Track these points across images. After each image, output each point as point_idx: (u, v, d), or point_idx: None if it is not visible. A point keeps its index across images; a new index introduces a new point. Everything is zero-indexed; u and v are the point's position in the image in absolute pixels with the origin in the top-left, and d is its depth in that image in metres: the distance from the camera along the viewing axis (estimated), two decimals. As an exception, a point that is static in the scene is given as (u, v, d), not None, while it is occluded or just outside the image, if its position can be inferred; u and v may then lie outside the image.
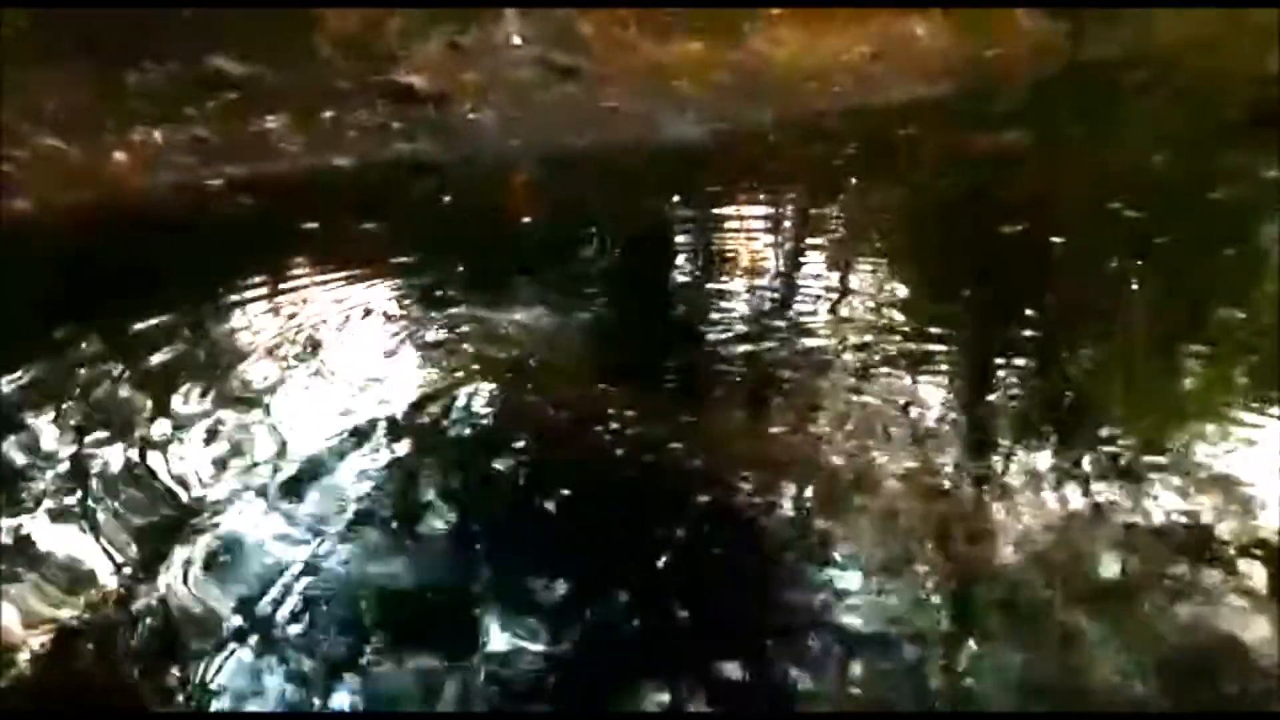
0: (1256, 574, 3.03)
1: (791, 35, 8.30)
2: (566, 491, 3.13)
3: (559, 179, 5.94)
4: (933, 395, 3.87)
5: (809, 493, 3.27)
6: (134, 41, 5.78)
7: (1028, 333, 4.45)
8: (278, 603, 2.59)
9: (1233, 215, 6.00)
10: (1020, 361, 4.21)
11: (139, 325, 3.83)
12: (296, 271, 4.32)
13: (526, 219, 5.28)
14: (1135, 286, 5.18)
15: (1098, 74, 9.66)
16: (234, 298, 4.09)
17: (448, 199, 5.41)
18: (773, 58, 7.89)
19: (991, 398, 3.94)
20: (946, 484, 3.37)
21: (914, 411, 3.72)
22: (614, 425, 3.42)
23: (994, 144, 6.89)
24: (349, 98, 6.06)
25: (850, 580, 2.94)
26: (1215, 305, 4.73)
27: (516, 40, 7.04)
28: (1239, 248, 5.49)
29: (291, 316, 3.97)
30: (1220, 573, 3.08)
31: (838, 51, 8.38)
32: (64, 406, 3.25)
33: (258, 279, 4.21)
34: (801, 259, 5.07)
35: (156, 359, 3.59)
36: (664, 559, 2.95)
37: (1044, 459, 3.53)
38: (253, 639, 2.49)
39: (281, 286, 4.19)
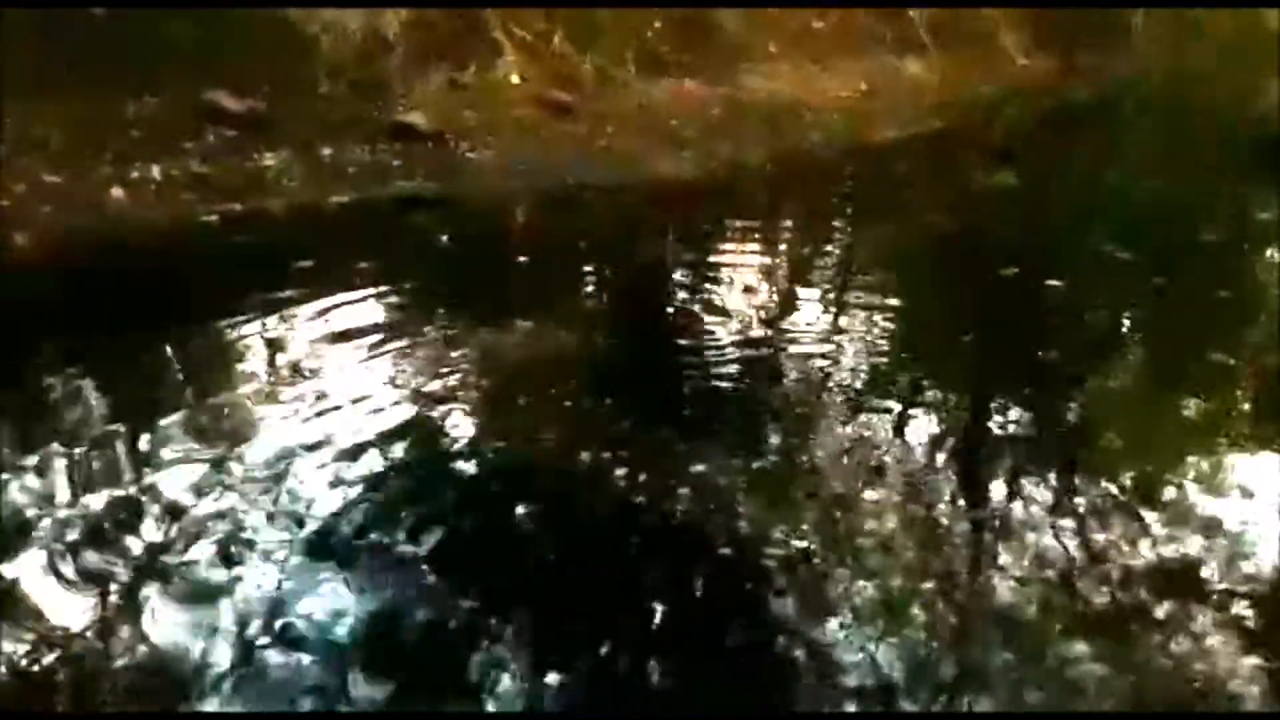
0: (1246, 613, 3.06)
1: (785, 74, 8.39)
2: (556, 528, 3.16)
3: (556, 216, 5.98)
4: (926, 433, 3.90)
5: (802, 530, 3.28)
6: (131, 75, 5.80)
7: (1021, 371, 4.50)
8: (255, 636, 2.58)
9: (1226, 256, 6.06)
10: (1013, 400, 4.25)
11: (132, 362, 3.84)
12: (292, 308, 4.31)
13: (523, 256, 5.30)
14: (1129, 326, 5.25)
15: (1089, 110, 9.78)
16: (230, 334, 4.09)
17: (445, 236, 5.44)
18: (767, 96, 7.97)
19: (984, 436, 3.97)
20: (939, 521, 3.39)
21: (907, 449, 3.76)
22: (605, 460, 3.44)
23: (986, 181, 6.96)
24: (347, 134, 6.09)
25: (844, 616, 2.95)
26: (1209, 347, 4.78)
27: (515, 79, 7.09)
28: (1232, 289, 5.54)
29: (286, 353, 3.98)
30: (1211, 612, 3.10)
31: (831, 89, 8.46)
32: (56, 440, 3.24)
33: (253, 315, 4.21)
34: (795, 295, 5.10)
35: (151, 395, 3.59)
36: (650, 593, 2.95)
37: (1038, 497, 3.56)
38: (228, 672, 2.49)
39: (277, 323, 4.18)
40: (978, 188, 6.86)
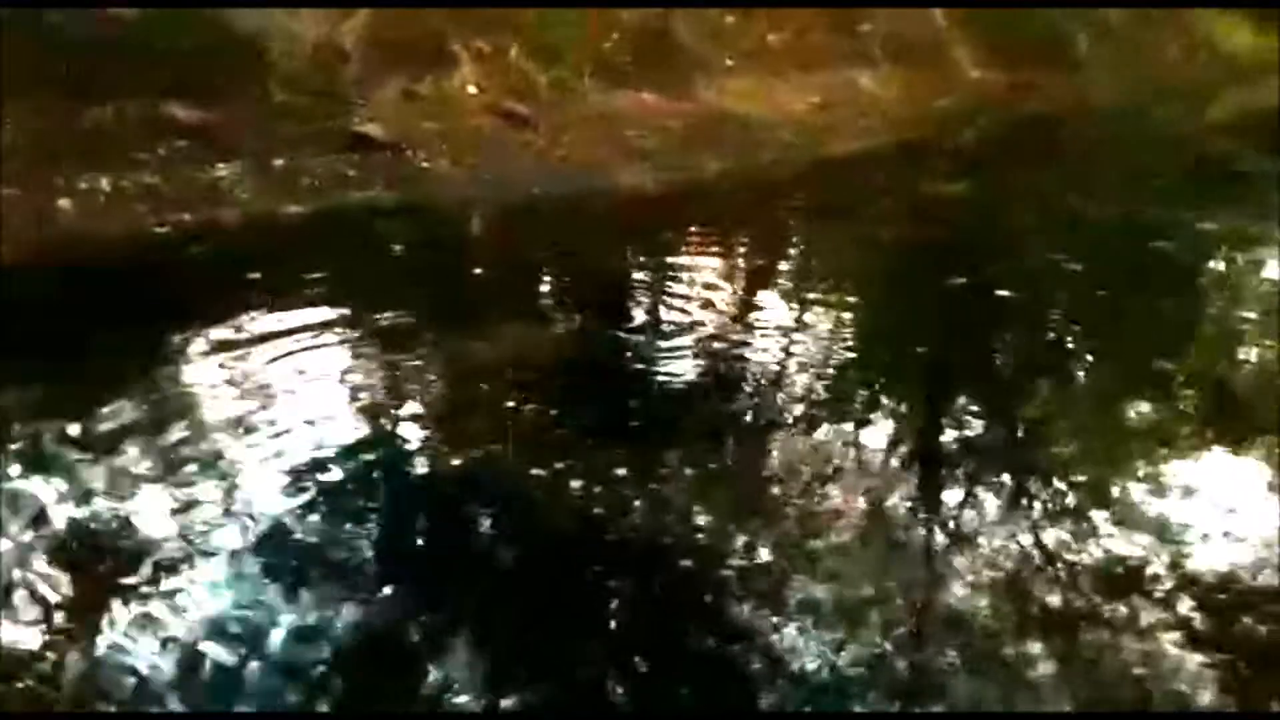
0: (1193, 613, 3.11)
1: (742, 87, 8.46)
2: (513, 537, 3.17)
3: (514, 227, 5.97)
4: (881, 439, 3.96)
5: (759, 536, 3.32)
6: (84, 86, 5.73)
7: (973, 378, 4.60)
8: (205, 646, 2.56)
9: (1171, 267, 6.19)
10: (965, 406, 4.33)
11: (82, 375, 3.78)
12: (246, 321, 4.27)
13: (481, 267, 5.30)
14: (1077, 335, 5.34)
15: (1040, 125, 9.94)
16: (182, 347, 4.03)
17: (401, 247, 5.42)
18: (724, 109, 8.03)
19: (938, 442, 4.03)
20: (895, 526, 3.45)
21: (863, 455, 3.81)
22: (562, 470, 3.44)
23: (939, 194, 7.05)
24: (303, 145, 6.05)
25: (800, 621, 2.98)
26: (1154, 355, 4.91)
27: (471, 89, 7.09)
28: (1176, 298, 5.70)
29: (240, 365, 3.93)
30: (1160, 612, 3.16)
31: (787, 103, 8.54)
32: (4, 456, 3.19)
33: (206, 327, 4.16)
34: (752, 306, 5.13)
35: (101, 408, 3.52)
36: (607, 600, 2.98)
37: (991, 501, 3.62)
38: (180, 683, 2.47)
39: (230, 335, 4.14)
40: (931, 200, 6.93)
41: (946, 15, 10.74)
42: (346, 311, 4.48)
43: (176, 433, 3.44)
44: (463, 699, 2.52)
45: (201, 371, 3.89)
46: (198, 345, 4.04)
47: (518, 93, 7.20)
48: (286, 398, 3.73)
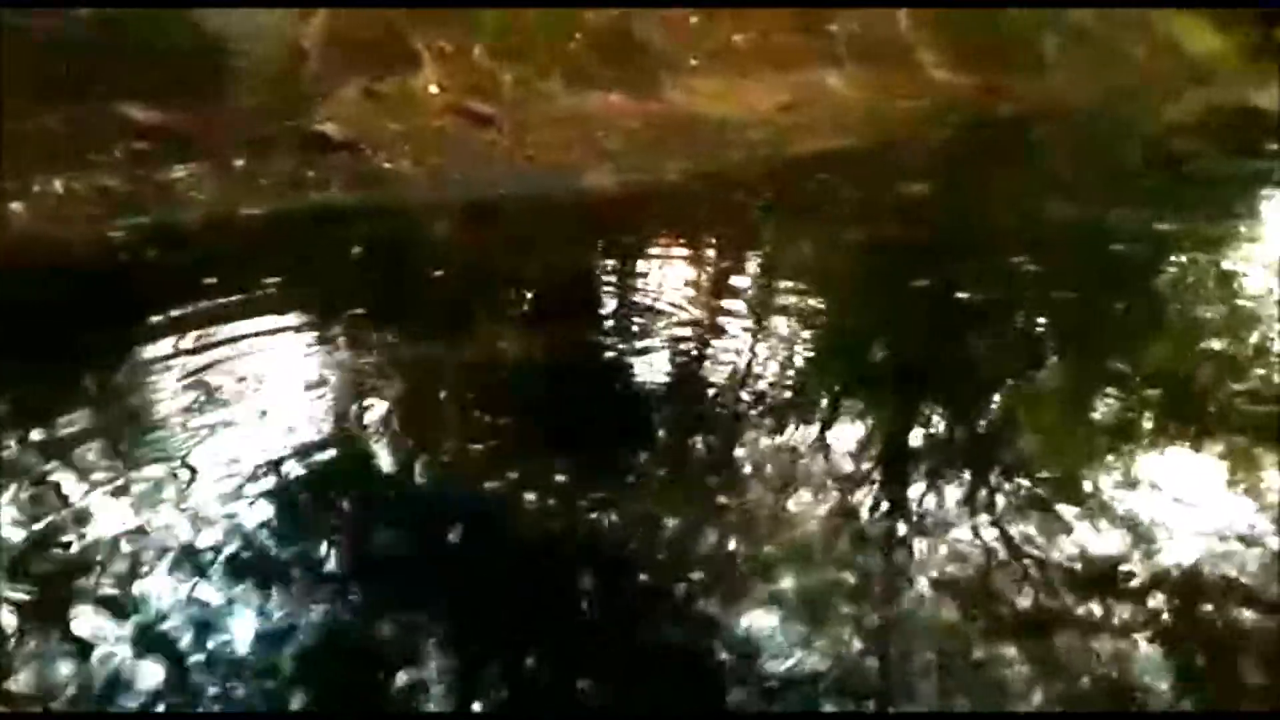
0: (1161, 608, 3.15)
1: (708, 87, 8.44)
2: (486, 543, 3.15)
3: (476, 228, 5.93)
4: (847, 440, 3.96)
5: (725, 536, 3.32)
6: (38, 87, 5.63)
7: (938, 379, 4.60)
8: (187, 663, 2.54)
9: (1135, 268, 6.24)
10: (930, 406, 4.34)
11: (35, 383, 3.69)
12: (203, 326, 4.20)
13: (442, 269, 5.25)
14: (1044, 335, 5.37)
15: (1006, 126, 10.00)
16: (138, 353, 3.97)
17: (361, 249, 5.36)
18: (690, 109, 8.01)
19: (903, 441, 4.05)
20: (862, 526, 3.45)
21: (829, 455, 3.81)
22: (527, 471, 3.42)
23: (903, 196, 7.05)
24: (263, 145, 5.98)
25: (767, 621, 2.98)
26: (1120, 352, 4.95)
27: (434, 88, 7.03)
28: (1141, 296, 5.76)
29: (197, 371, 3.87)
30: (1128, 608, 3.18)
31: (753, 103, 8.53)
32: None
33: (164, 333, 4.10)
34: (718, 307, 5.12)
35: (59, 418, 3.45)
36: (571, 600, 2.98)
37: (957, 499, 3.64)
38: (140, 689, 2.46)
39: (187, 341, 4.07)
40: (897, 201, 6.94)
41: (913, 16, 10.78)
42: (305, 315, 4.43)
43: (131, 439, 3.39)
44: (428, 704, 2.52)
45: (158, 377, 3.82)
46: (154, 350, 3.97)
47: (481, 92, 7.15)
48: (244, 403, 3.68)
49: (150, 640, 2.57)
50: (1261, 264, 6.45)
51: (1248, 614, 3.16)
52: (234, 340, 4.11)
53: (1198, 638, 3.07)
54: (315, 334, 4.32)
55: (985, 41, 10.96)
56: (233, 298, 4.43)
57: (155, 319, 4.19)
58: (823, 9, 9.91)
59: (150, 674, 2.48)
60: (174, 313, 4.25)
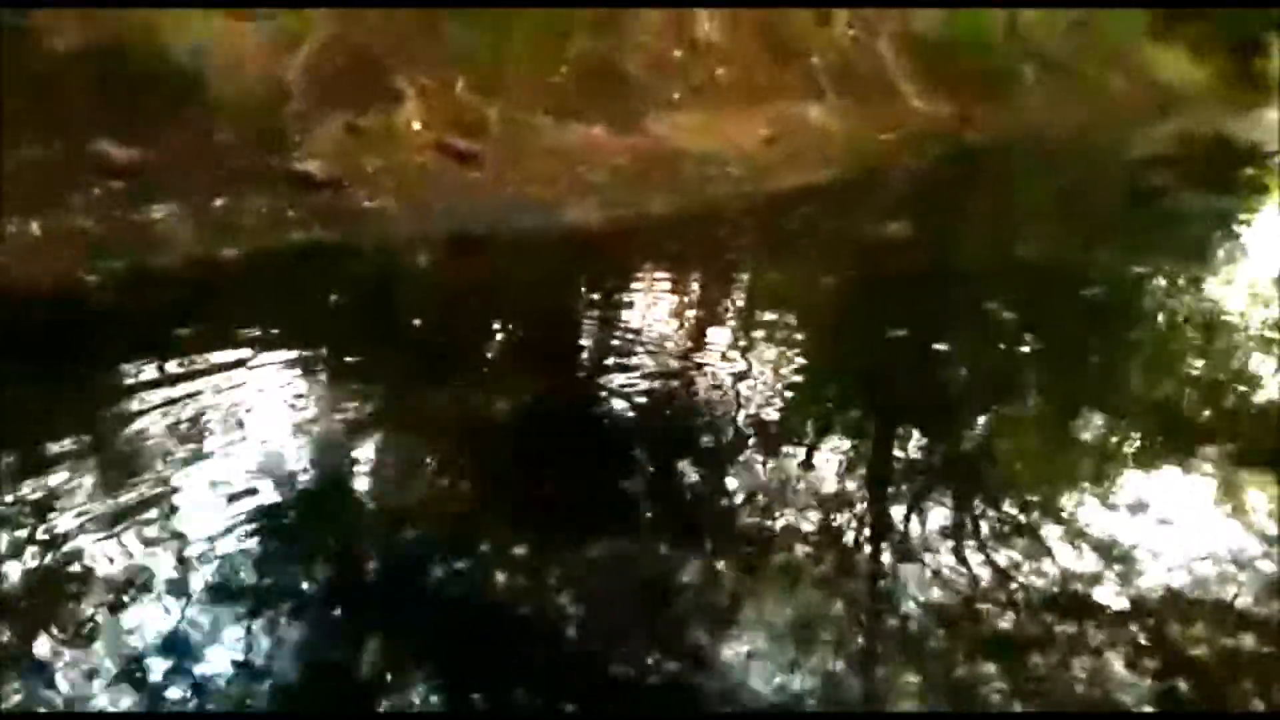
0: (1138, 629, 3.22)
1: (690, 120, 8.46)
2: (466, 557, 3.22)
3: (458, 266, 5.88)
4: (829, 469, 4.03)
5: (712, 561, 3.39)
6: (10, 122, 5.54)
7: (921, 410, 4.65)
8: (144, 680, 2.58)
9: (1107, 301, 6.29)
10: (910, 439, 4.41)
11: (7, 432, 3.61)
12: (180, 372, 4.14)
13: (425, 309, 5.21)
14: (1017, 374, 5.39)
15: (984, 157, 10.07)
16: (115, 404, 3.88)
17: (343, 291, 5.29)
18: (672, 143, 8.01)
19: (884, 471, 4.12)
20: (845, 551, 3.54)
21: (813, 484, 3.89)
22: (514, 501, 3.51)
23: (883, 229, 7.06)
24: (242, 184, 5.91)
25: (755, 642, 3.04)
26: (1092, 389, 5.05)
27: (416, 124, 6.99)
28: (1118, 329, 5.87)
29: (176, 418, 3.80)
30: (1107, 629, 3.23)
31: (735, 137, 8.55)
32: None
33: (140, 382, 4.03)
34: (700, 342, 5.15)
35: (30, 462, 3.41)
36: (560, 619, 3.03)
37: (938, 525, 3.71)
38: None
39: (165, 390, 3.99)
40: (874, 238, 6.93)
41: (893, 46, 10.86)
42: (284, 363, 4.36)
43: (104, 488, 3.33)
44: None
45: (132, 427, 3.74)
46: (129, 402, 3.89)
47: (463, 128, 7.11)
48: (222, 454, 3.62)
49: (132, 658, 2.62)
50: (1235, 295, 6.58)
51: (1231, 635, 3.22)
52: (211, 387, 4.05)
53: (1180, 659, 3.11)
54: (294, 382, 4.25)
55: (964, 72, 11.06)
56: (210, 347, 4.36)
57: (130, 370, 4.12)
58: (803, 41, 9.95)
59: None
60: (150, 363, 4.18)
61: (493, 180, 6.67)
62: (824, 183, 8.19)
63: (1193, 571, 3.51)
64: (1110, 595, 3.37)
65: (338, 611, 2.94)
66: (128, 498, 3.26)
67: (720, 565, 3.38)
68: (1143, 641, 3.18)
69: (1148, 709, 2.89)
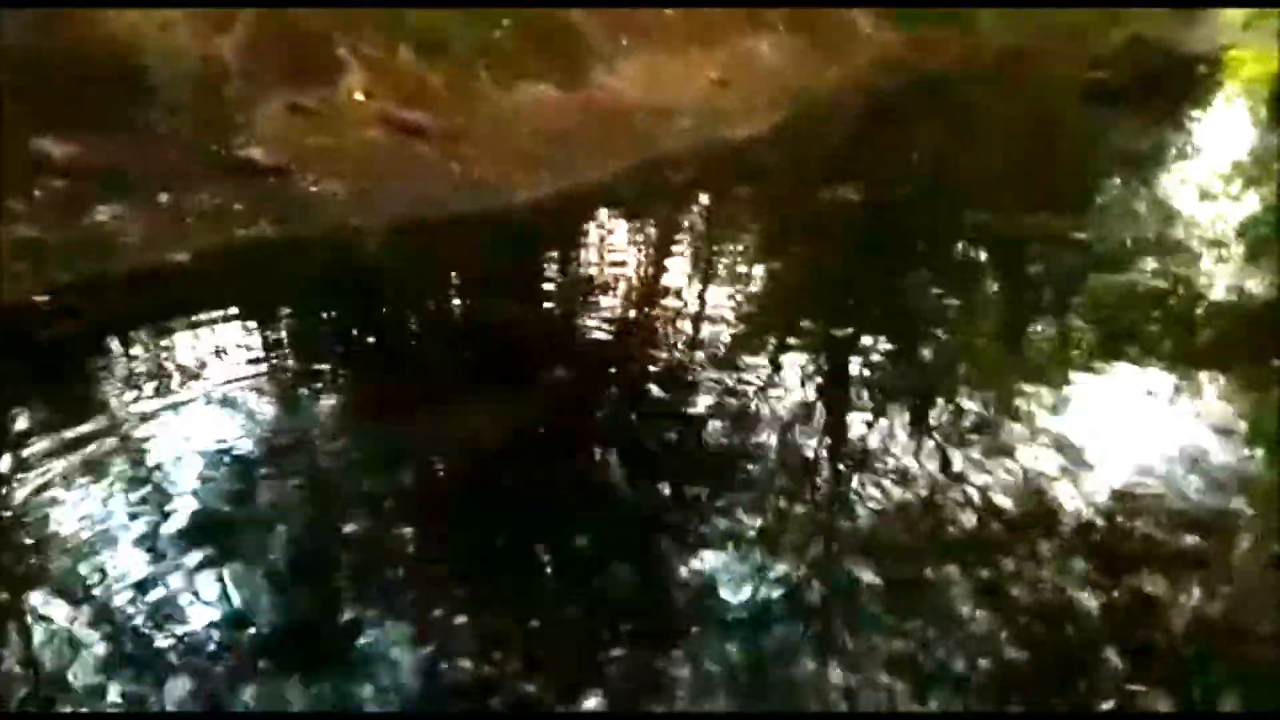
0: (1095, 526, 3.49)
1: (639, 69, 8.35)
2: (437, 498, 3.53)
3: (407, 253, 5.84)
4: (793, 382, 4.41)
5: (679, 471, 3.71)
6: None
7: (877, 327, 4.97)
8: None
9: (1061, 208, 6.58)
10: (871, 350, 4.76)
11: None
12: (130, 400, 4.16)
13: (371, 302, 5.24)
14: (979, 278, 5.80)
15: (935, 85, 10.02)
16: (61, 434, 3.86)
17: (293, 288, 5.30)
18: (622, 97, 7.93)
19: (846, 381, 4.47)
20: (810, 456, 3.86)
21: (777, 398, 4.25)
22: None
23: (833, 185, 7.07)
24: (188, 176, 5.83)
25: (720, 549, 3.32)
26: (1052, 290, 5.48)
27: (360, 96, 6.90)
28: (1069, 238, 6.16)
29: (136, 448, 3.85)
30: (1061, 528, 3.51)
31: (685, 82, 8.46)
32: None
33: (89, 410, 4.04)
34: (657, 306, 5.30)
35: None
36: (526, 532, 3.31)
37: (902, 432, 4.03)
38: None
39: (108, 422, 4.00)
40: (825, 192, 6.96)
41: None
42: (235, 375, 4.38)
43: (55, 522, 3.38)
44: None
45: (83, 456, 3.74)
46: (76, 431, 3.88)
47: (410, 97, 7.02)
48: (175, 477, 3.68)
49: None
50: (1183, 199, 7.04)
51: (1182, 528, 3.54)
52: (163, 411, 4.08)
53: (1133, 553, 3.40)
54: (248, 396, 4.28)
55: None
56: (163, 363, 4.42)
57: (82, 393, 4.19)
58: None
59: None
60: (99, 388, 4.23)
61: (441, 156, 6.61)
62: (775, 127, 8.15)
63: (1145, 468, 3.81)
64: (1066, 493, 3.64)
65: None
66: (71, 535, 3.30)
67: (684, 474, 3.68)
68: (1098, 538, 3.45)
69: (1102, 604, 3.13)
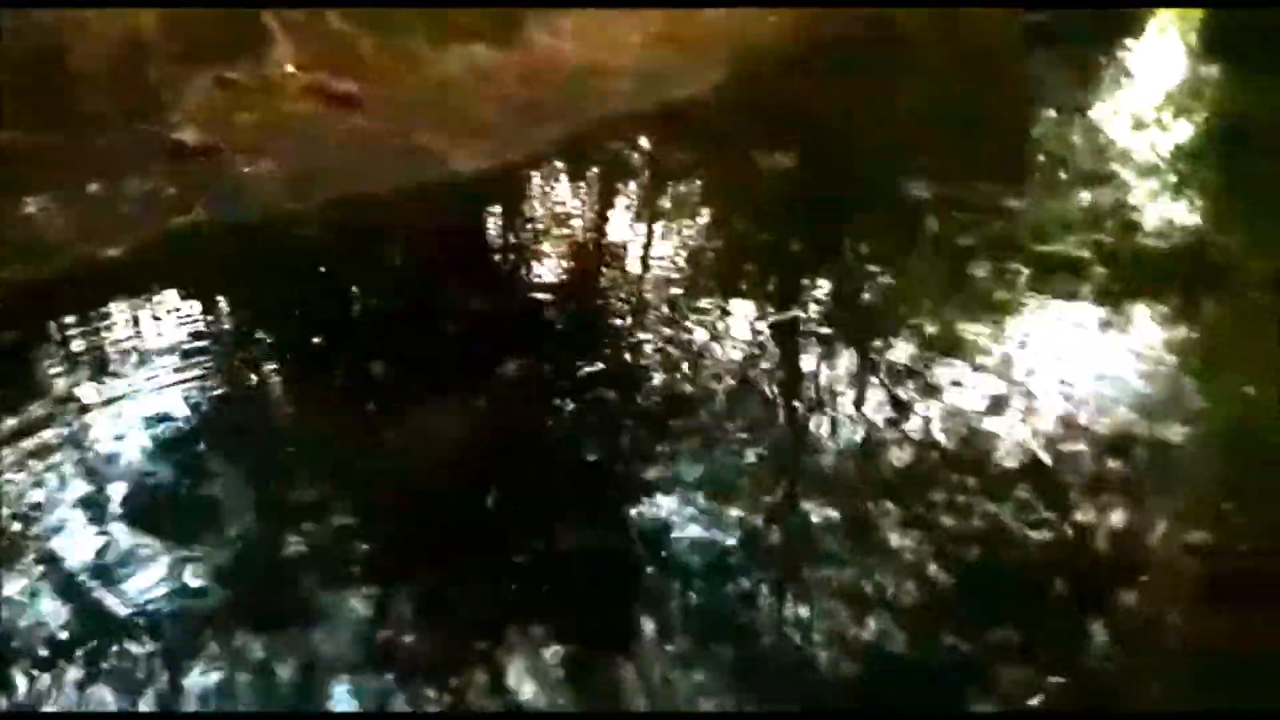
0: (1033, 459, 3.68)
1: (578, 25, 8.20)
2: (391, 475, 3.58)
3: (344, 235, 5.73)
4: (742, 330, 4.57)
5: (633, 421, 3.89)
6: None
7: (822, 268, 5.19)
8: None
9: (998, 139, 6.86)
10: (817, 302, 4.90)
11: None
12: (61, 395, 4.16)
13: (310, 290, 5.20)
14: (916, 213, 5.88)
15: (880, 27, 9.93)
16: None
17: (227, 282, 5.20)
18: (560, 57, 7.80)
19: (793, 327, 4.62)
20: (761, 401, 4.03)
21: (727, 345, 4.45)
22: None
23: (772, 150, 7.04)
24: (117, 162, 5.70)
25: (676, 495, 3.48)
26: (987, 241, 5.54)
27: (290, 67, 6.74)
28: (1004, 168, 6.43)
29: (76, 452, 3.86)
30: (1008, 459, 3.72)
31: (626, 36, 8.33)
32: None
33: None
34: (602, 274, 5.42)
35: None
36: (501, 491, 3.46)
37: (845, 372, 4.23)
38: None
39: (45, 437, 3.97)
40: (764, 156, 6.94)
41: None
42: (175, 373, 4.37)
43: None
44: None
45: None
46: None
47: (341, 65, 6.86)
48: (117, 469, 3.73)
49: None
50: (1118, 127, 7.23)
51: (1117, 457, 3.76)
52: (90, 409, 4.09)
53: (1071, 484, 3.61)
54: (189, 398, 4.26)
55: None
56: (100, 377, 4.36)
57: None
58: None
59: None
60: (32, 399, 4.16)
61: (377, 128, 6.49)
62: (715, 86, 8.04)
63: (1079, 399, 4.02)
64: (1004, 426, 3.79)
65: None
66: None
67: (638, 423, 3.86)
68: (1036, 468, 3.65)
69: (1043, 536, 3.32)
